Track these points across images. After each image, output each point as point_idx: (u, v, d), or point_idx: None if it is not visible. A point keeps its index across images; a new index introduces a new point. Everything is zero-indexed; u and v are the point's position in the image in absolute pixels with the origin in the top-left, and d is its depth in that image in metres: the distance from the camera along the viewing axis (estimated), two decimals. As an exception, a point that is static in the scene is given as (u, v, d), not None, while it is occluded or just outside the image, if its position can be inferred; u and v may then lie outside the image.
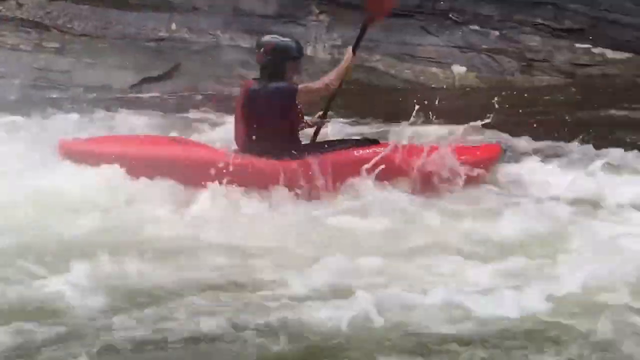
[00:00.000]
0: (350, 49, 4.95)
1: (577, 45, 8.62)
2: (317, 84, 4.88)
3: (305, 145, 4.84)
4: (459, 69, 8.51)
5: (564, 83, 8.20)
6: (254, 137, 4.65)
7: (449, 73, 8.53)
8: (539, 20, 8.70)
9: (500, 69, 8.37)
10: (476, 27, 8.72)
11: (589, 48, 8.65)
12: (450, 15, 8.81)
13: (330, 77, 4.86)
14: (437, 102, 5.18)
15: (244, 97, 4.77)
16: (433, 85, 8.48)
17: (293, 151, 4.65)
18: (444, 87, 8.43)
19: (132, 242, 3.79)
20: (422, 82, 8.53)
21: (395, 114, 5.86)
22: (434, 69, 8.56)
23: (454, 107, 6.71)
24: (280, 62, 4.73)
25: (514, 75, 8.43)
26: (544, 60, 8.49)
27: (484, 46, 8.61)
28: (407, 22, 8.77)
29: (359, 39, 5.06)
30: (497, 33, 8.66)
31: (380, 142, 4.94)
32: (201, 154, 4.74)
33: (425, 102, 5.20)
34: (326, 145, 4.88)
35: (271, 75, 4.71)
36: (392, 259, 3.65)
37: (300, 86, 4.72)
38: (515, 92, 7.23)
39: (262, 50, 4.78)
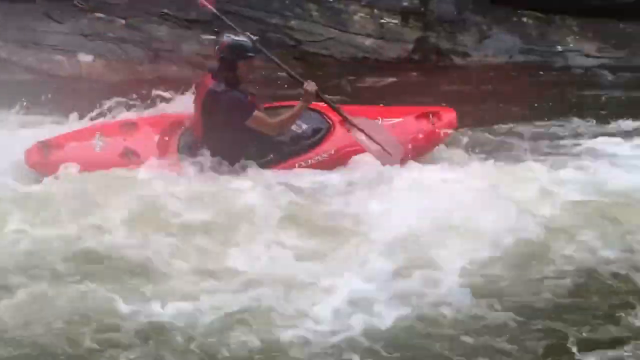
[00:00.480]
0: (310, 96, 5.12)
1: (203, 36, 8.86)
2: (271, 120, 5.07)
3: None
4: (85, 58, 8.29)
5: (191, 74, 8.41)
6: (205, 136, 5.06)
7: (75, 62, 8.27)
8: (166, 10, 8.80)
9: (128, 58, 8.32)
10: (102, 15, 8.56)
11: (214, 39, 8.94)
12: (75, 3, 8.53)
13: (284, 118, 5.09)
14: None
15: (203, 94, 5.05)
16: (59, 74, 8.16)
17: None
18: (70, 75, 8.15)
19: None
20: (47, 71, 8.15)
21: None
22: (59, 57, 8.23)
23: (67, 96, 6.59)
24: (233, 59, 4.99)
25: (142, 64, 8.42)
26: (171, 50, 8.58)
27: (110, 35, 8.48)
28: (29, 7, 8.33)
29: (327, 102, 5.29)
30: (123, 22, 8.58)
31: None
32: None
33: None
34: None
35: (226, 72, 5.00)
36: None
37: (255, 113, 4.96)
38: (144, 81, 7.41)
39: (217, 48, 5.09)
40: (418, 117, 5.68)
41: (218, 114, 4.99)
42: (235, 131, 4.98)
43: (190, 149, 5.17)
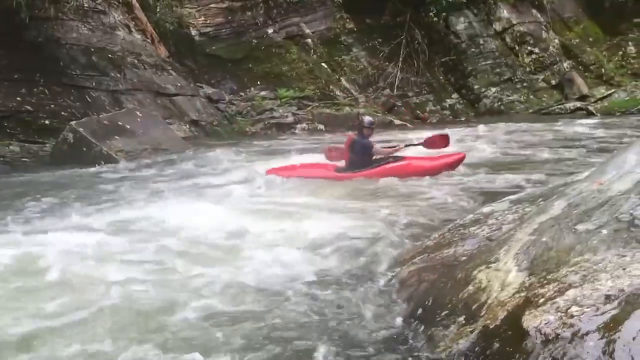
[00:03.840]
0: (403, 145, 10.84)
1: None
2: (380, 150, 10.56)
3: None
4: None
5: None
6: (350, 162, 10.37)
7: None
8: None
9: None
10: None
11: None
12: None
13: (384, 151, 10.58)
14: None
15: (350, 143, 10.36)
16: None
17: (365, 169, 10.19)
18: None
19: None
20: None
21: None
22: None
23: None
24: (365, 126, 10.35)
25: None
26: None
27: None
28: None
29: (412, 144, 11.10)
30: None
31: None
32: (325, 173, 10.38)
33: None
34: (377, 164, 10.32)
35: (360, 133, 10.37)
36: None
37: (374, 149, 10.36)
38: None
39: (359, 121, 11.07)
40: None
41: (355, 150, 10.33)
42: (362, 157, 10.29)
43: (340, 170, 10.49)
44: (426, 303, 4.07)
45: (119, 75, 17.25)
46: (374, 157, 10.33)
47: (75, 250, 6.06)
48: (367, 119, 10.99)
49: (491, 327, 3.47)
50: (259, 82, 21.41)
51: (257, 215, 7.34)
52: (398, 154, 10.61)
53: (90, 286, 5.12)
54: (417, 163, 10.37)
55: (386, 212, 7.48)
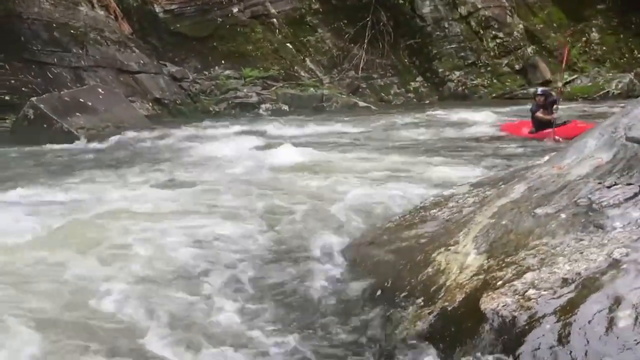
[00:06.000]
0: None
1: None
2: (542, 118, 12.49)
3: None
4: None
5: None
6: (533, 124, 12.64)
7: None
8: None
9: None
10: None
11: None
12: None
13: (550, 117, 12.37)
14: None
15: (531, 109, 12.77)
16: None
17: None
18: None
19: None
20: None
21: None
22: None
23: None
24: (536, 95, 13.01)
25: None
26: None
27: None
28: None
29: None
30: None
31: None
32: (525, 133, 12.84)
33: None
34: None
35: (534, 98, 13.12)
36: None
37: (536, 114, 12.56)
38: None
39: (534, 91, 14.37)
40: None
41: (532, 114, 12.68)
42: (537, 120, 12.58)
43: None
44: (385, 284, 4.07)
45: (81, 51, 16.98)
46: (550, 119, 12.29)
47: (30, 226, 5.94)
48: (539, 89, 14.41)
49: (449, 309, 3.49)
50: (223, 61, 21.20)
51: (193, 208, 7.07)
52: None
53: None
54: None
55: (348, 192, 7.36)
